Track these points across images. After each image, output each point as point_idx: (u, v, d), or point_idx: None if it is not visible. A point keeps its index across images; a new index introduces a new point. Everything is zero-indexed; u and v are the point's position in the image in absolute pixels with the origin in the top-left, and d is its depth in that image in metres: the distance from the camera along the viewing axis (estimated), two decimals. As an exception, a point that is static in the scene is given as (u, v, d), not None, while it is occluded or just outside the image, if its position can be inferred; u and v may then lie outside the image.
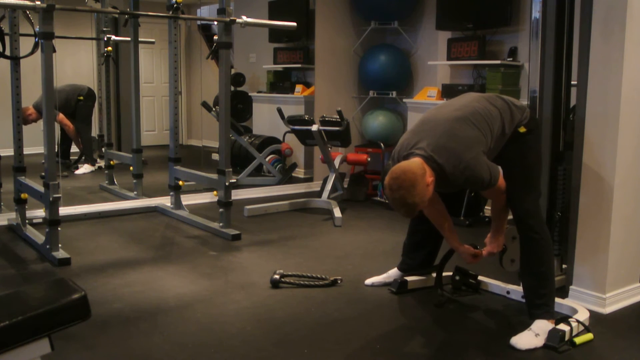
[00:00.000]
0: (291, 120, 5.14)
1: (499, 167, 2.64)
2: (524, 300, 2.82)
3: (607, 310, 2.93)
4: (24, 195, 4.15)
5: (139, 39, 5.11)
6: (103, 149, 5.84)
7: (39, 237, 3.92)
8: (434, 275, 3.18)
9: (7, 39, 3.94)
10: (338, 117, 4.86)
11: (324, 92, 6.06)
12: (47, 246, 3.67)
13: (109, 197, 5.38)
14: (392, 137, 5.91)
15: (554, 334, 2.54)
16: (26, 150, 4.26)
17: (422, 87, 5.76)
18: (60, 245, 3.69)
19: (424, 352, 2.54)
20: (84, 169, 6.05)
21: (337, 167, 5.23)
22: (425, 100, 5.28)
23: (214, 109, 5.56)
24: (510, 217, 2.78)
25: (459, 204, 4.58)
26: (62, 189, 3.73)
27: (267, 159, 6.02)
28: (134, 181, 5.23)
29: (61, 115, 5.64)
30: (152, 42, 5.99)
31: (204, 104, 5.76)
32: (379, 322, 2.83)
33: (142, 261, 3.70)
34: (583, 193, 2.95)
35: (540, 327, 2.59)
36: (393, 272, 3.29)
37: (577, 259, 3.00)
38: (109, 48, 5.72)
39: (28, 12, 3.73)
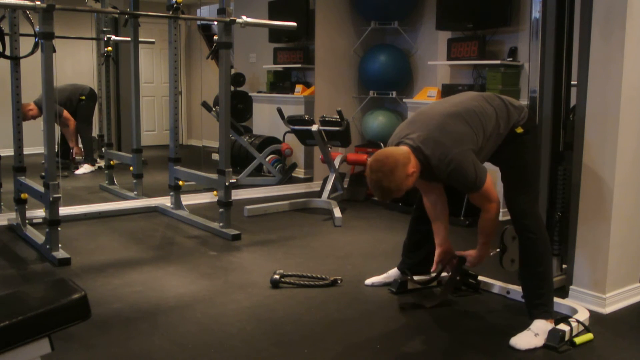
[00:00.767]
0: (291, 120, 5.14)
1: (486, 171, 2.61)
2: (524, 300, 2.82)
3: (607, 310, 2.93)
4: (24, 195, 4.15)
5: (139, 39, 5.11)
6: (103, 149, 5.84)
7: (39, 237, 3.92)
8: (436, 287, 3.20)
9: (7, 39, 3.93)
10: (338, 117, 4.86)
11: (324, 92, 6.06)
12: (47, 246, 3.67)
13: (109, 197, 5.38)
14: (392, 137, 5.90)
15: (554, 334, 2.54)
16: (26, 150, 4.26)
17: (422, 87, 5.76)
18: (60, 245, 3.69)
19: (424, 352, 2.54)
20: (84, 169, 6.05)
21: (337, 167, 5.23)
22: (426, 100, 5.28)
23: (214, 109, 5.56)
24: (507, 217, 2.79)
25: (459, 204, 4.58)
26: (62, 189, 3.73)
27: (267, 159, 6.02)
28: (134, 181, 5.23)
29: (66, 112, 5.64)
30: (152, 42, 5.99)
31: (204, 104, 5.76)
32: (379, 322, 2.83)
33: (142, 261, 3.70)
34: (583, 193, 2.95)
35: (540, 327, 2.59)
36: (393, 272, 3.29)
37: (577, 259, 3.00)
38: (109, 48, 5.73)
39: (28, 12, 3.73)
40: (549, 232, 3.09)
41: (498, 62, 4.91)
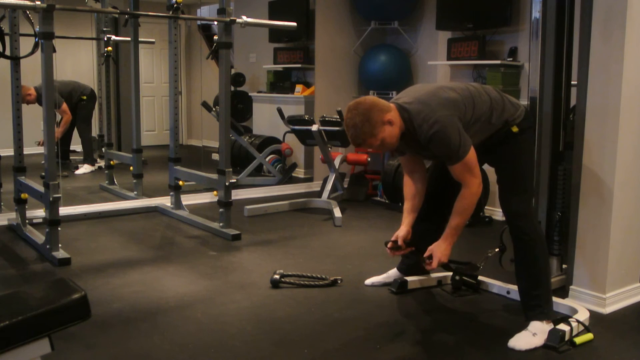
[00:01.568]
0: (291, 120, 5.14)
1: (471, 143, 2.53)
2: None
3: (607, 310, 2.93)
4: (24, 195, 4.15)
5: (139, 39, 5.11)
6: (103, 149, 5.85)
7: (39, 237, 3.92)
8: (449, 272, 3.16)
9: (7, 39, 3.93)
10: (338, 117, 4.86)
11: (324, 92, 6.06)
12: (47, 246, 3.67)
13: (109, 197, 5.38)
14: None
15: (554, 334, 2.54)
16: (26, 150, 4.26)
17: (422, 87, 5.75)
18: (60, 245, 3.69)
19: (424, 352, 2.54)
20: (84, 169, 6.05)
21: (337, 167, 5.23)
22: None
23: (214, 109, 5.56)
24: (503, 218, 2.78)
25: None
26: (62, 189, 3.74)
27: (267, 159, 6.02)
28: (134, 181, 5.23)
29: (65, 105, 5.63)
30: (152, 42, 5.99)
31: (204, 104, 5.76)
32: (379, 322, 2.83)
33: (142, 261, 3.70)
34: (583, 193, 2.95)
35: (537, 327, 2.59)
36: (393, 272, 3.29)
37: (577, 259, 3.00)
38: (109, 48, 5.73)
39: (28, 12, 3.73)
40: (549, 232, 3.10)
41: (498, 62, 4.91)
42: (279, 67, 6.52)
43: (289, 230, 4.46)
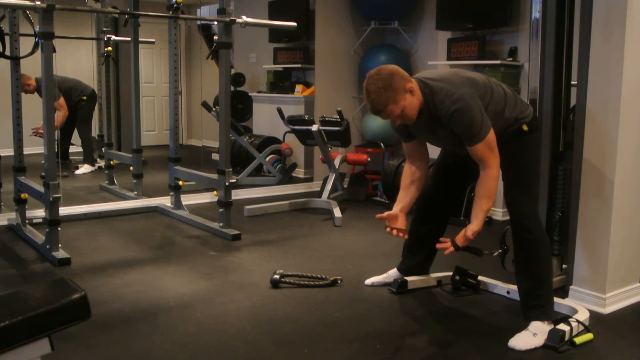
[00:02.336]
0: (291, 120, 5.14)
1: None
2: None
3: (607, 310, 2.93)
4: (24, 195, 4.15)
5: (139, 39, 5.11)
6: (103, 149, 5.84)
7: (39, 237, 3.92)
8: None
9: (7, 39, 3.93)
10: (338, 117, 4.86)
11: (324, 92, 6.06)
12: (47, 246, 3.67)
13: (109, 197, 5.38)
14: (392, 137, 5.91)
15: (554, 334, 2.54)
16: (26, 150, 4.26)
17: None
18: (60, 245, 3.69)
19: (423, 352, 2.54)
20: (84, 169, 6.05)
21: (337, 167, 5.23)
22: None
23: (214, 109, 5.56)
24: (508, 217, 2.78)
25: (459, 204, 4.58)
26: (62, 189, 3.73)
27: (267, 159, 6.02)
28: (134, 181, 5.23)
29: (62, 100, 5.63)
30: (152, 42, 5.99)
31: (204, 104, 5.76)
32: (379, 322, 2.83)
33: (142, 261, 3.70)
34: (583, 193, 2.95)
35: (537, 327, 2.59)
36: (393, 272, 3.29)
37: (577, 259, 3.00)
38: (109, 48, 5.72)
39: (28, 12, 3.73)
40: (549, 232, 3.10)
41: (498, 62, 4.91)
42: (279, 67, 6.51)
43: (289, 230, 4.46)
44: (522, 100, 2.75)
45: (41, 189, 3.74)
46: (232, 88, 6.58)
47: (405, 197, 2.79)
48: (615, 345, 2.61)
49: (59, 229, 3.69)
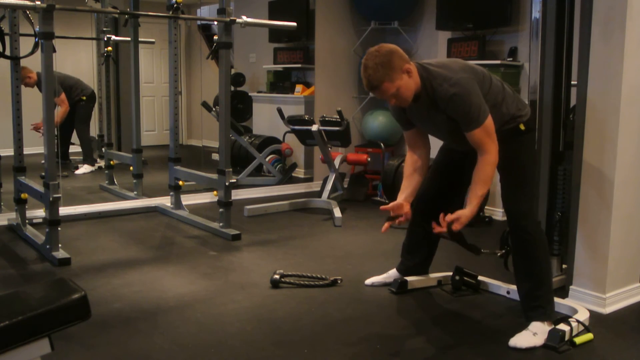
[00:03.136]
0: (291, 120, 5.14)
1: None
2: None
3: (607, 310, 2.93)
4: (24, 195, 4.15)
5: (139, 39, 5.11)
6: (103, 149, 5.85)
7: (39, 237, 3.92)
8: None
9: (7, 39, 3.93)
10: (338, 117, 4.86)
11: (324, 92, 6.06)
12: (47, 246, 3.67)
13: (109, 197, 5.38)
14: (392, 137, 5.91)
15: (554, 334, 2.54)
16: (26, 150, 4.26)
17: (422, 87, 5.75)
18: (60, 245, 3.69)
19: (423, 352, 2.54)
20: (84, 169, 6.06)
21: (337, 167, 5.23)
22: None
23: (214, 109, 5.56)
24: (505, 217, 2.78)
25: (459, 204, 4.57)
26: (62, 189, 3.73)
27: (267, 159, 6.02)
28: (134, 181, 5.24)
29: (63, 95, 5.62)
30: (152, 42, 5.99)
31: (204, 104, 5.76)
32: (379, 322, 2.83)
33: (142, 261, 3.70)
34: (583, 193, 2.95)
35: (538, 327, 2.59)
36: (393, 272, 3.29)
37: (577, 259, 3.00)
38: (109, 48, 5.73)
39: (28, 12, 3.73)
40: (549, 232, 3.10)
41: (498, 62, 4.91)
42: (279, 67, 6.52)
43: (289, 230, 4.46)
44: (521, 99, 2.75)
45: (41, 189, 3.74)
46: (232, 88, 6.59)
47: (408, 186, 2.79)
48: (615, 345, 2.61)
49: (59, 229, 3.69)
